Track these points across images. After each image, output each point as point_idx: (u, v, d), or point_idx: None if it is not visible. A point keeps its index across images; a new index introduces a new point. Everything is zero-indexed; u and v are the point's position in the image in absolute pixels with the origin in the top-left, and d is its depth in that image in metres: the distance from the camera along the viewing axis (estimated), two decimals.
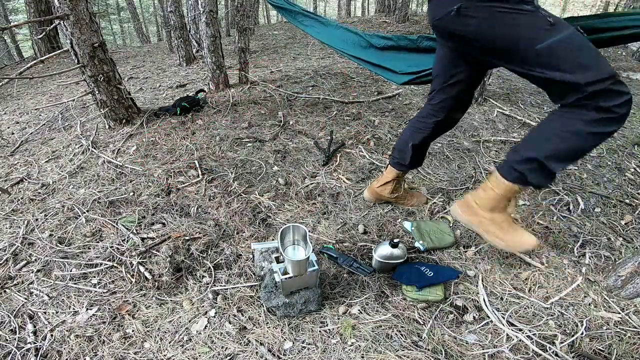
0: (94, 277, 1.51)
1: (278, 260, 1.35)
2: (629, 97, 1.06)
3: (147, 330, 1.30)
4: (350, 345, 1.23)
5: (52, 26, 2.59)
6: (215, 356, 1.20)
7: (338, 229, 1.75)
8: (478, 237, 1.70)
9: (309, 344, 1.24)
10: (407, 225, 1.75)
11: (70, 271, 1.53)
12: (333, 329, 1.29)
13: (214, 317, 1.33)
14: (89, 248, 1.65)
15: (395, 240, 1.43)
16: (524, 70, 1.16)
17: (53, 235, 1.73)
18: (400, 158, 1.73)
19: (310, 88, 3.54)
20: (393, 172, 1.78)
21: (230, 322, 1.31)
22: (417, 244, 1.63)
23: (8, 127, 3.20)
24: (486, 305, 1.37)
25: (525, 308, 1.38)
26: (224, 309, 1.36)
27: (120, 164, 2.29)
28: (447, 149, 2.46)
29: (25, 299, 1.43)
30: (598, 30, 1.31)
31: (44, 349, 1.24)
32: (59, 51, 2.66)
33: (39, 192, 2.07)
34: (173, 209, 1.87)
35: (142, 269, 1.50)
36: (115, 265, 1.55)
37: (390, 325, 1.30)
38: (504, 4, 1.08)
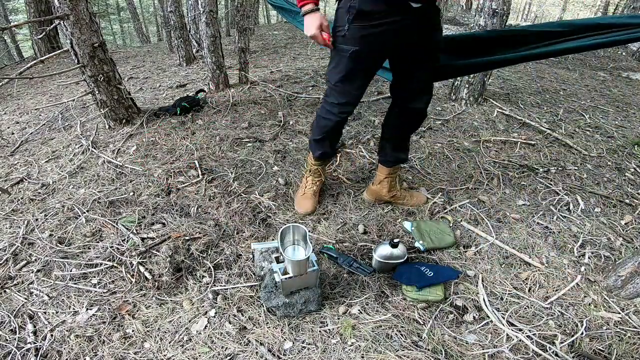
0: (94, 277, 1.51)
1: (278, 260, 1.35)
2: (338, 104, 1.50)
3: (147, 330, 1.30)
4: (350, 345, 1.23)
5: (52, 26, 2.58)
6: (215, 356, 1.20)
7: (338, 229, 1.75)
8: (478, 237, 1.71)
9: (309, 344, 1.24)
10: (407, 225, 1.75)
11: (70, 271, 1.53)
12: (333, 329, 1.29)
13: (214, 317, 1.33)
14: (89, 248, 1.65)
15: (395, 240, 1.43)
16: None
17: (53, 235, 1.73)
18: (383, 154, 1.80)
19: (310, 88, 3.54)
20: (384, 170, 1.81)
21: (230, 322, 1.31)
22: (417, 244, 1.63)
23: (8, 127, 3.20)
24: (486, 305, 1.37)
25: (525, 308, 1.38)
26: (224, 309, 1.36)
27: (120, 164, 2.28)
28: (447, 149, 2.46)
29: (25, 299, 1.43)
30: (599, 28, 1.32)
31: (44, 349, 1.24)
32: (59, 51, 2.66)
33: (39, 192, 2.07)
34: (173, 209, 1.87)
35: (142, 269, 1.50)
36: (115, 265, 1.55)
37: (390, 325, 1.30)
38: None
